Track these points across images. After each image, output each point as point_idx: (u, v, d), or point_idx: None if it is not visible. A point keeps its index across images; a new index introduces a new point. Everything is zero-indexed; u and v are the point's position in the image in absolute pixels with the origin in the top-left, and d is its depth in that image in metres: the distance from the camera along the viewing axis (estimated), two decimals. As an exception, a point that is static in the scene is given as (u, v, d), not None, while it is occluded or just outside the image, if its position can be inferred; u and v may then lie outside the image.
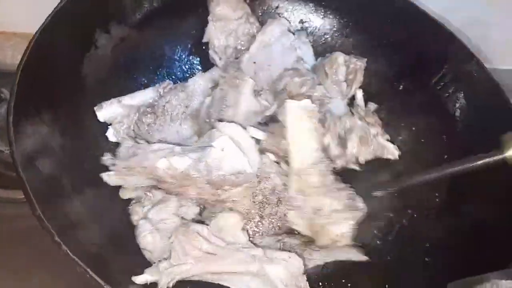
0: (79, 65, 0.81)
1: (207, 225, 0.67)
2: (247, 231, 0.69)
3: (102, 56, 0.85)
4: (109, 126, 0.84)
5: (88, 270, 0.58)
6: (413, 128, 0.92)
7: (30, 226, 0.60)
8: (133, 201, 0.76)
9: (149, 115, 0.84)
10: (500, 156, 0.69)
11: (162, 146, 0.72)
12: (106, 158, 0.77)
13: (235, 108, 0.80)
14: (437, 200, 0.82)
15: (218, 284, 0.65)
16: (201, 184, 0.69)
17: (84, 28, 0.82)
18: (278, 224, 0.73)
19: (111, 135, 0.84)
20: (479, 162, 0.71)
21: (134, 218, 0.71)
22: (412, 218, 0.82)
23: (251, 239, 0.70)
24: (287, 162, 0.77)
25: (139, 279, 0.63)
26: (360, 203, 0.76)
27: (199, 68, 0.99)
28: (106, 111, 0.83)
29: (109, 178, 0.74)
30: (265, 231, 0.72)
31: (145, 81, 0.92)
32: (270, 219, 0.72)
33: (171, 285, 0.63)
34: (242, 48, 0.95)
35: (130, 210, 0.73)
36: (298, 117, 0.73)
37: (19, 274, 0.81)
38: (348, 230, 0.73)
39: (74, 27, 0.79)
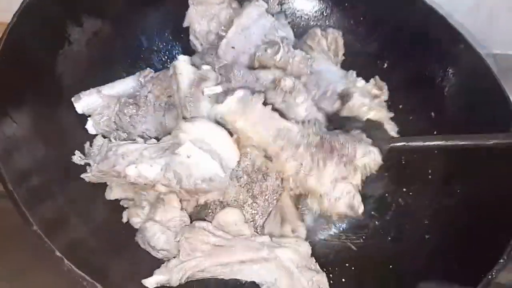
0: (54, 63, 0.76)
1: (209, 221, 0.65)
2: (248, 221, 0.67)
3: (77, 52, 0.80)
4: (88, 118, 0.79)
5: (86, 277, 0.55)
6: (400, 106, 0.92)
7: (15, 223, 0.57)
8: (124, 202, 0.73)
9: (130, 106, 0.79)
10: None
11: (130, 148, 0.67)
12: (76, 158, 0.73)
13: (179, 90, 0.76)
14: (430, 177, 0.83)
15: (225, 281, 0.65)
16: (176, 190, 0.66)
17: (55, 23, 0.76)
18: (274, 197, 0.70)
19: (90, 127, 0.79)
20: (491, 142, 0.70)
21: (136, 221, 0.68)
22: (407, 196, 0.83)
23: (251, 222, 0.69)
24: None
25: (149, 282, 0.60)
26: (372, 153, 0.71)
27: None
28: (84, 102, 0.78)
29: (89, 178, 0.71)
30: (263, 210, 0.70)
31: (125, 76, 0.86)
32: (263, 197, 0.69)
33: (183, 281, 0.61)
34: (224, 34, 0.91)
35: (128, 214, 0.69)
36: (235, 118, 0.67)
37: (18, 271, 0.77)
38: (356, 202, 0.70)
39: (44, 23, 0.74)
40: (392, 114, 0.86)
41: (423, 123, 0.88)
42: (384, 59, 0.95)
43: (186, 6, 0.91)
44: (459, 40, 0.84)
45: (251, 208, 0.68)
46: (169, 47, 0.95)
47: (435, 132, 0.86)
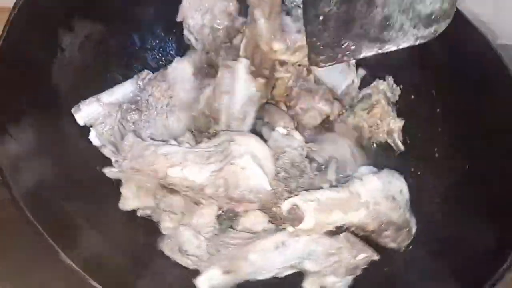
0: (48, 73, 0.73)
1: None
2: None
3: (70, 59, 0.76)
4: (91, 129, 0.77)
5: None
6: (401, 86, 0.92)
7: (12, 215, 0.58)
8: (141, 212, 0.73)
9: (133, 112, 0.77)
10: None
11: (172, 150, 0.67)
12: (107, 151, 0.73)
13: (232, 94, 0.75)
14: (437, 155, 0.84)
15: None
16: (217, 197, 0.66)
17: (46, 31, 0.73)
18: None
19: (94, 138, 0.77)
20: None
21: (165, 225, 0.69)
22: (416, 176, 0.83)
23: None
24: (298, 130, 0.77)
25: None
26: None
27: (174, 53, 0.93)
28: (85, 113, 0.76)
29: (112, 174, 0.71)
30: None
31: (121, 79, 0.84)
32: (299, 191, 0.68)
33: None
34: (219, 27, 0.89)
35: (160, 218, 0.70)
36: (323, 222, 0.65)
37: (19, 270, 0.76)
38: None
39: (34, 32, 0.70)
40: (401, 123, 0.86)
41: (425, 101, 0.88)
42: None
43: (176, 1, 0.87)
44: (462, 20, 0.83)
45: None
46: (163, 44, 0.93)
47: (438, 110, 0.87)
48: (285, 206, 0.64)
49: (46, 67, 0.72)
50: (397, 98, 0.89)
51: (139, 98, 0.78)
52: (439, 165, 0.83)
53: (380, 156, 0.87)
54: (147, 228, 0.73)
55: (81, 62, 0.79)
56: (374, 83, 0.87)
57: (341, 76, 0.88)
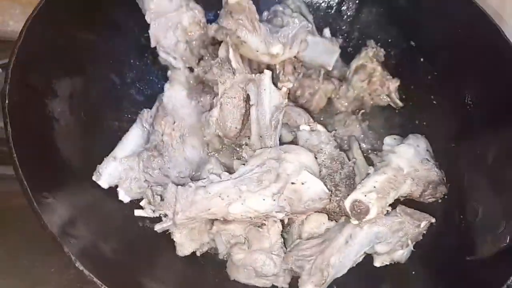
0: (55, 149, 0.67)
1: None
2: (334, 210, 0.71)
3: (67, 126, 0.71)
4: (117, 189, 0.74)
5: None
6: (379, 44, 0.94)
7: (20, 204, 0.59)
8: (199, 251, 0.73)
9: (156, 159, 0.74)
10: None
11: (221, 187, 0.66)
12: (147, 210, 0.70)
13: (259, 106, 0.74)
14: (434, 102, 0.89)
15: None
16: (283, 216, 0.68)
17: (38, 105, 0.66)
18: (353, 184, 0.73)
19: (124, 196, 0.74)
20: None
21: (238, 257, 0.69)
22: (423, 126, 0.88)
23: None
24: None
25: None
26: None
27: (155, 78, 0.88)
28: (106, 175, 0.73)
29: (163, 228, 0.69)
30: (345, 195, 0.72)
31: (117, 123, 0.80)
32: (344, 184, 0.73)
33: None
34: (193, 39, 0.84)
35: (233, 252, 0.70)
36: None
37: (8, 253, 0.77)
38: None
39: (31, 114, 0.64)
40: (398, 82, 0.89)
41: (406, 54, 0.92)
42: (348, 2, 0.95)
43: (138, 29, 0.84)
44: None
45: (335, 196, 0.70)
46: (140, 73, 0.87)
47: (421, 60, 0.90)
48: (347, 203, 0.66)
49: (52, 145, 0.67)
50: (383, 58, 0.92)
51: (155, 142, 0.75)
52: (440, 108, 0.87)
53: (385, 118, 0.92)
54: (204, 266, 0.74)
55: (76, 125, 0.73)
56: (363, 53, 0.89)
57: (326, 53, 0.89)
